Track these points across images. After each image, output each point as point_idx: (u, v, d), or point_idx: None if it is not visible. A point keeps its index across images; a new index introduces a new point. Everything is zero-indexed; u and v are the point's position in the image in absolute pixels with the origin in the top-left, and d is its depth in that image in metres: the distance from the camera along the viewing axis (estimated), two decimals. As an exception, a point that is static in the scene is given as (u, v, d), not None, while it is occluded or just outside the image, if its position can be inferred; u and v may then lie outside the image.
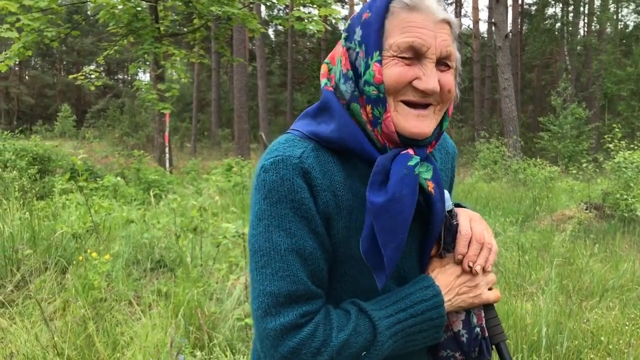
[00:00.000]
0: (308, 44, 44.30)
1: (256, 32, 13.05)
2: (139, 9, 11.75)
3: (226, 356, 3.57)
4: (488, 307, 1.18)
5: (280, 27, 39.42)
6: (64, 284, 4.78)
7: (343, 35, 1.12)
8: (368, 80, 1.04)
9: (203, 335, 3.73)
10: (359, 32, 1.07)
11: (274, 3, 12.64)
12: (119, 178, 9.50)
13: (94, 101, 43.79)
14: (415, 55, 1.03)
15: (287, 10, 25.60)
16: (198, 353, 3.51)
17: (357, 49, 1.06)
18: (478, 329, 1.15)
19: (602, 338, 3.94)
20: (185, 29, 16.59)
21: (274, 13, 19.47)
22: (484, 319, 1.17)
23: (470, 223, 1.14)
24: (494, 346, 1.19)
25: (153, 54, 11.58)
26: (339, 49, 1.13)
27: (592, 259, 6.36)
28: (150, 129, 25.43)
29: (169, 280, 5.05)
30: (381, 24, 1.04)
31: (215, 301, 4.54)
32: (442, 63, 1.06)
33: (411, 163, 1.03)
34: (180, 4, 13.09)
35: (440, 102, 1.07)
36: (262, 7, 22.06)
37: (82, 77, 13.46)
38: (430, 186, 1.08)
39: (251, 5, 14.61)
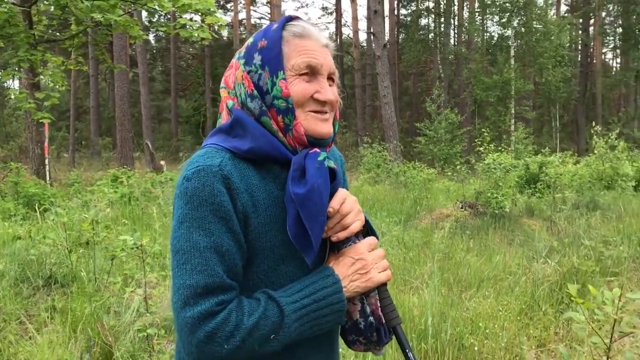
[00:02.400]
0: (191, 49, 43.46)
1: (138, 39, 12.68)
2: (10, 13, 11.05)
3: (130, 367, 3.58)
4: (382, 291, 1.32)
5: (161, 33, 38.42)
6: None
7: (241, 62, 1.28)
8: (276, 95, 1.23)
9: (107, 348, 3.71)
10: (258, 58, 1.25)
11: (157, 9, 12.37)
12: (-6, 193, 8.94)
13: (-45, 110, 40.11)
14: (312, 72, 1.26)
15: (169, 17, 25.06)
16: (103, 366, 3.50)
17: (260, 71, 1.25)
18: (372, 318, 1.32)
19: (480, 324, 4.29)
20: (58, 34, 15.78)
21: (156, 20, 18.95)
22: (380, 308, 1.32)
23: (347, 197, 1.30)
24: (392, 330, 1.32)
25: (29, 62, 10.94)
26: (238, 73, 1.28)
27: (469, 253, 6.85)
28: (23, 139, 23.83)
29: (63, 296, 4.90)
30: (280, 49, 1.25)
31: (113, 314, 4.49)
32: (330, 78, 1.30)
33: (320, 158, 1.24)
34: (54, 8, 12.45)
35: (332, 110, 1.30)
36: (143, 13, 21.46)
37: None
38: (334, 167, 1.27)
39: (131, 12, 14.21)
